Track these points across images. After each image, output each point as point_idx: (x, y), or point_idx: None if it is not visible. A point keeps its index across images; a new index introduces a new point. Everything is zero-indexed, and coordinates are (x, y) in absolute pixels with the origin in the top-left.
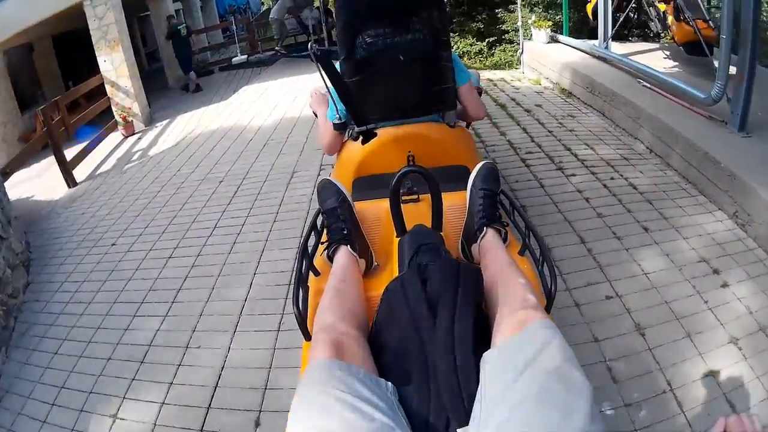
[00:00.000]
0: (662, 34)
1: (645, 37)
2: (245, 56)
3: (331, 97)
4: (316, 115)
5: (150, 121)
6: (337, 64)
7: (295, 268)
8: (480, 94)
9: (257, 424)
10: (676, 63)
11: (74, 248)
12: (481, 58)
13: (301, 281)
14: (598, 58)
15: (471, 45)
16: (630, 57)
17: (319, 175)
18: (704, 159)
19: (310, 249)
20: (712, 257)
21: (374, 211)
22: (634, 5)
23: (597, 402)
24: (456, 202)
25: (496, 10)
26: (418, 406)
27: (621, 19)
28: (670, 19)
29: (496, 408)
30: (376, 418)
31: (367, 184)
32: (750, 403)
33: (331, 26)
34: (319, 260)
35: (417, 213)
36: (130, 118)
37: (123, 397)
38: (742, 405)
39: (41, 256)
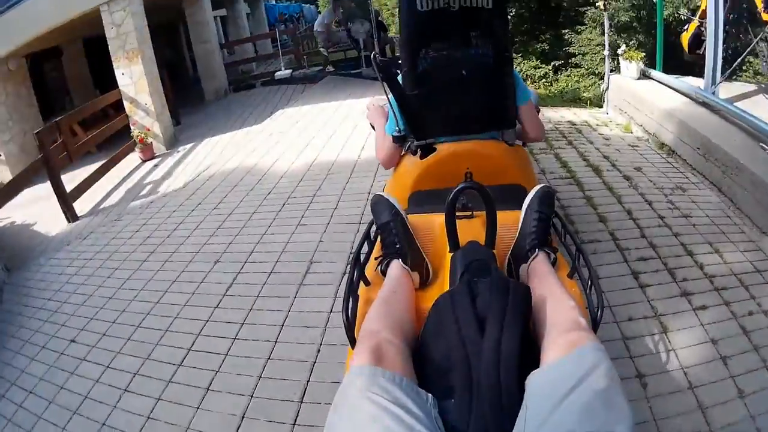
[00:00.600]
0: None
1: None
2: (289, 71)
3: (392, 108)
4: (373, 128)
5: (173, 143)
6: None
7: (346, 278)
8: (538, 112)
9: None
10: None
11: (32, 333)
12: (546, 83)
13: (351, 289)
14: (702, 104)
15: (535, 68)
16: (740, 105)
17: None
18: None
19: (362, 258)
20: None
21: (429, 225)
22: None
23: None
24: (509, 222)
25: (563, 30)
26: (458, 420)
27: (739, 60)
28: None
29: (539, 428)
30: (415, 428)
31: (424, 199)
32: None
33: (384, 42)
34: (371, 274)
35: (471, 229)
36: (149, 140)
37: None
38: None
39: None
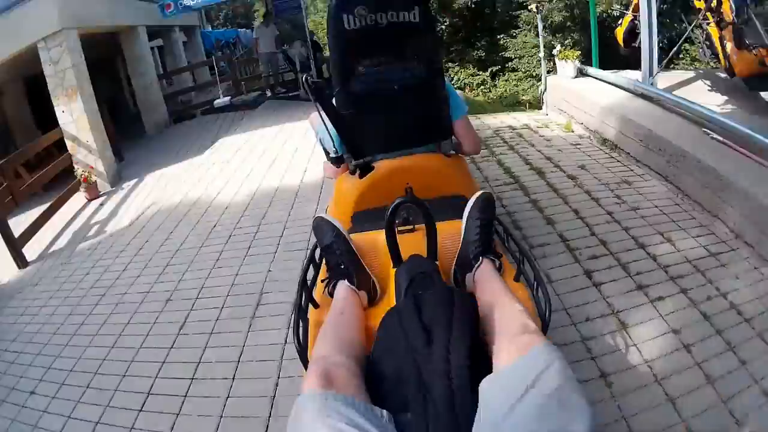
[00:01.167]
0: (707, 61)
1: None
2: (228, 98)
3: (327, 130)
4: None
5: (117, 180)
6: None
7: (294, 302)
8: None
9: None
10: (738, 100)
11: None
12: (484, 89)
13: (301, 313)
14: (641, 96)
15: (473, 75)
16: (679, 94)
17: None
18: None
19: (309, 282)
20: None
21: (373, 243)
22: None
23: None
24: (452, 231)
25: (498, 36)
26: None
27: (674, 49)
28: (729, 46)
29: None
30: None
31: (366, 218)
32: None
33: (320, 62)
34: (320, 296)
35: (414, 243)
36: (93, 179)
37: None
38: None
39: None
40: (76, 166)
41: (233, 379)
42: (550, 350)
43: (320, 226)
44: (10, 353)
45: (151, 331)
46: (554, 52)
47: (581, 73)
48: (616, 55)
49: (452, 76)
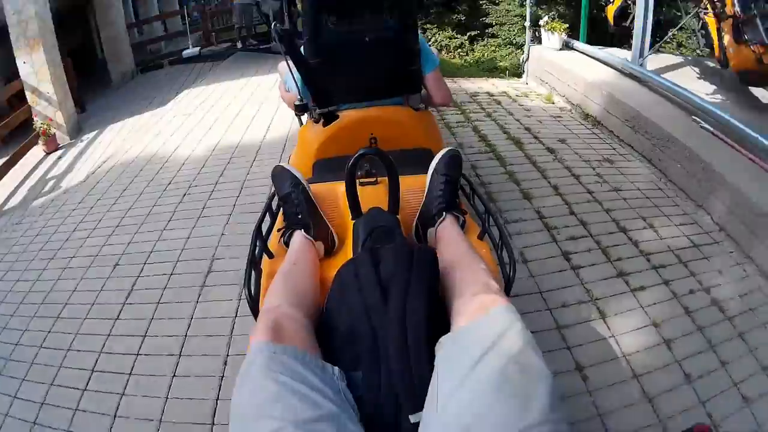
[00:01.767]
0: (699, 49)
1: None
2: (197, 49)
3: (294, 78)
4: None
5: (77, 132)
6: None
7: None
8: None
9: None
10: (727, 91)
11: None
12: (461, 53)
13: (253, 263)
14: (629, 75)
15: (450, 38)
16: (669, 78)
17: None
18: None
19: (264, 232)
20: None
21: (333, 193)
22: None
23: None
24: (416, 186)
25: (480, 1)
26: (368, 391)
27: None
28: (727, 39)
29: (453, 395)
30: (321, 404)
31: (328, 167)
32: None
33: (295, 16)
34: (275, 246)
35: (375, 196)
36: (52, 131)
37: None
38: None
39: None
40: (35, 119)
41: (179, 355)
42: (510, 311)
43: (279, 174)
44: None
45: (97, 299)
46: (541, 22)
47: (566, 46)
48: (603, 32)
49: (429, 37)
